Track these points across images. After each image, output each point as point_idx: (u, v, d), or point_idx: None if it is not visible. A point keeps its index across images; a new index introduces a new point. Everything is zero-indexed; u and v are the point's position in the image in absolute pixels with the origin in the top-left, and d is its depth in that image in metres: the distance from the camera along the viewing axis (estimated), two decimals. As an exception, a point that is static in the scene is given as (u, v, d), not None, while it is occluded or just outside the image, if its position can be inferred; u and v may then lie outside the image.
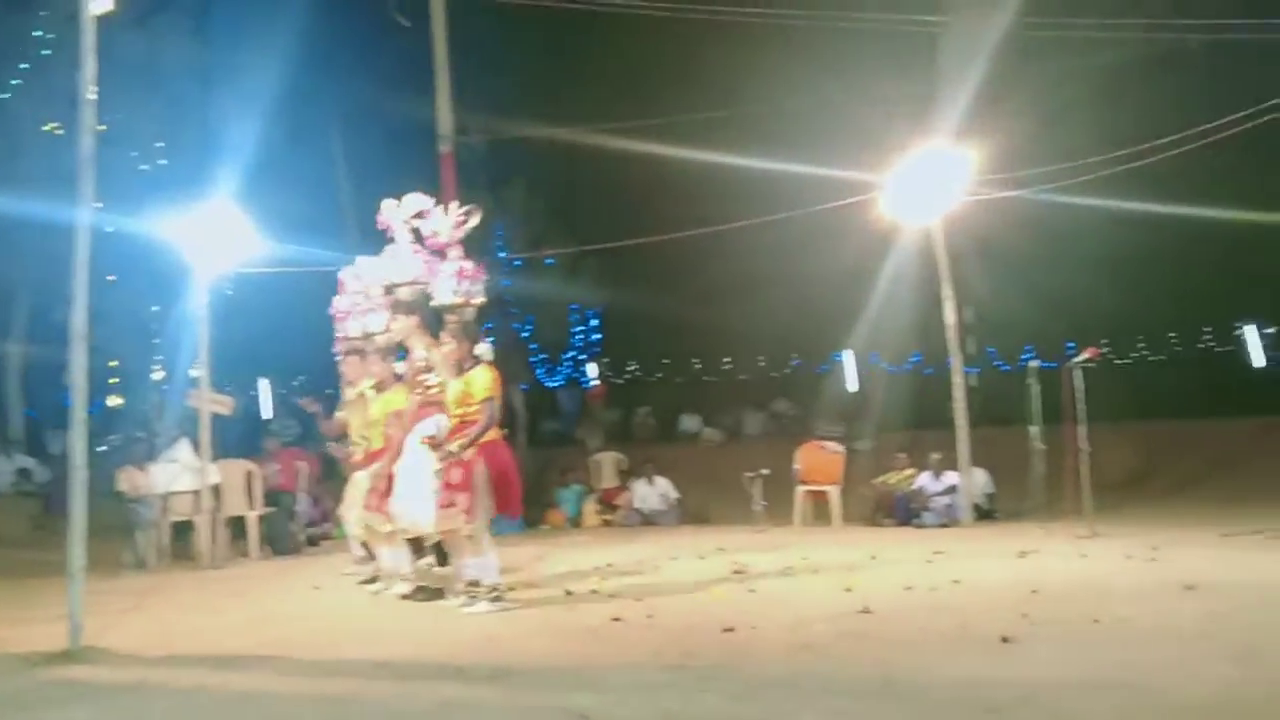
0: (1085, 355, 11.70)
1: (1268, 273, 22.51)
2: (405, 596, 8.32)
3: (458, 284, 8.35)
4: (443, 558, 8.19)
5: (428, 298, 8.54)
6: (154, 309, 19.59)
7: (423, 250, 8.78)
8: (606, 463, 17.72)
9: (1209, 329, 28.12)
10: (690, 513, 16.10)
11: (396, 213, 8.92)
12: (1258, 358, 23.75)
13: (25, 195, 15.49)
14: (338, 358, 9.66)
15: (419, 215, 8.83)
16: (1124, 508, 13.50)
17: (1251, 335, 23.96)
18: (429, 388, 8.26)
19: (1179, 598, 6.77)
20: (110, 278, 17.99)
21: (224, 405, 13.47)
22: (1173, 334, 28.36)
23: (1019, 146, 15.07)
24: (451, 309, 8.25)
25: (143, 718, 4.75)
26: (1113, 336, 24.26)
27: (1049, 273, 19.95)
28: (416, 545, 8.50)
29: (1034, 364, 12.40)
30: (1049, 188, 14.04)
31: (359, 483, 9.19)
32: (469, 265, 8.58)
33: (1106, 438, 12.85)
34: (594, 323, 28.58)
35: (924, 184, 13.15)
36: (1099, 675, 4.76)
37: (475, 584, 7.61)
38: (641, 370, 32.88)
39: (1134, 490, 15.34)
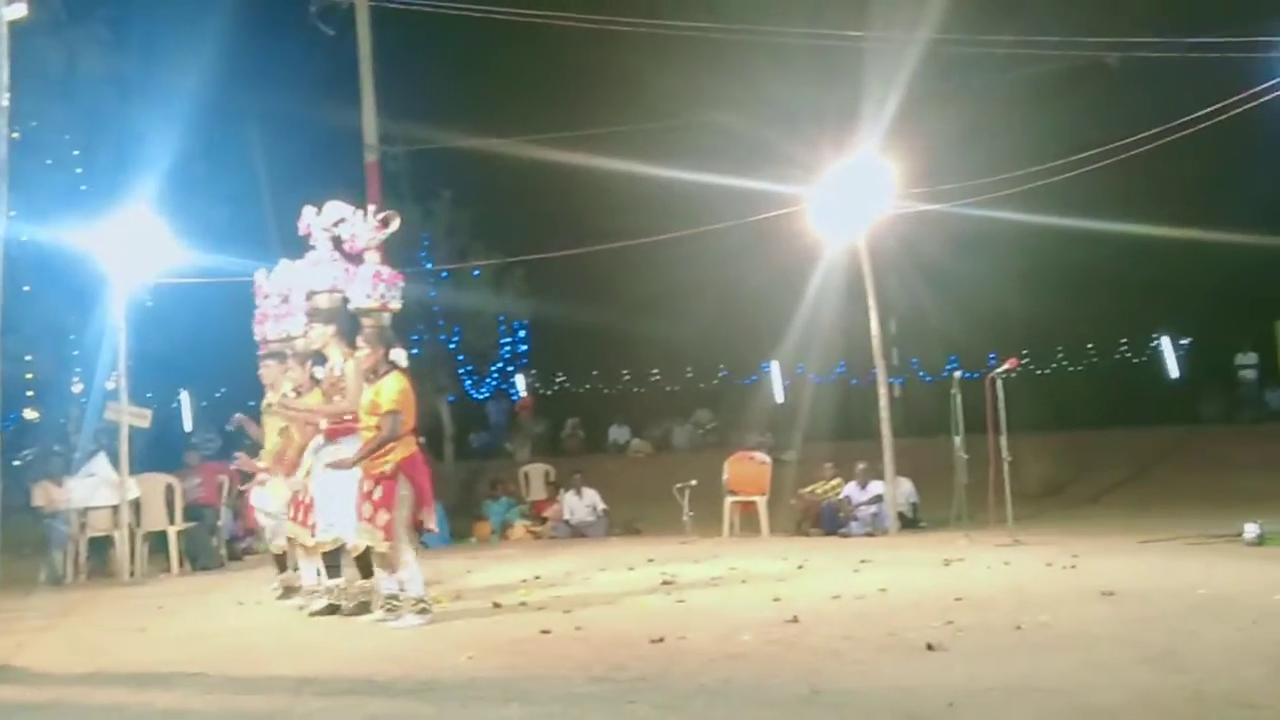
0: (1006, 366, 11.89)
1: (1183, 286, 23.08)
2: (317, 613, 8.19)
3: (374, 288, 8.25)
4: (366, 571, 8.11)
5: (347, 307, 8.43)
6: (71, 320, 19.17)
7: (342, 258, 8.67)
8: (535, 474, 17.68)
9: (1126, 341, 28.71)
10: (619, 524, 16.09)
11: (316, 219, 8.80)
12: (1173, 369, 24.31)
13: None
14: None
15: (339, 223, 8.72)
16: (1045, 516, 13.76)
17: (1167, 347, 24.52)
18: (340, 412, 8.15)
19: (1098, 604, 6.91)
20: (25, 288, 17.58)
21: (142, 418, 13.23)
22: (1090, 345, 28.90)
23: (941, 161, 15.33)
24: (367, 313, 8.14)
25: (59, 738, 4.63)
26: (1033, 347, 24.67)
27: (971, 285, 20.28)
28: (334, 560, 8.39)
29: (957, 374, 12.54)
30: (971, 201, 14.28)
31: (279, 493, 9.04)
32: (386, 270, 8.49)
33: (1028, 447, 13.09)
34: (521, 334, 28.45)
35: (849, 197, 13.30)
36: (1021, 681, 4.83)
37: (395, 599, 7.55)
38: (570, 382, 32.81)
39: (1055, 499, 15.64)
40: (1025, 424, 12.44)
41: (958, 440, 12.17)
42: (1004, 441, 11.46)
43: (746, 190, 15.15)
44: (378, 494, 7.41)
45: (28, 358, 20.77)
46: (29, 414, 21.83)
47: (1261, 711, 4.12)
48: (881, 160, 13.31)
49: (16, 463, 16.26)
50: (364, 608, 8.02)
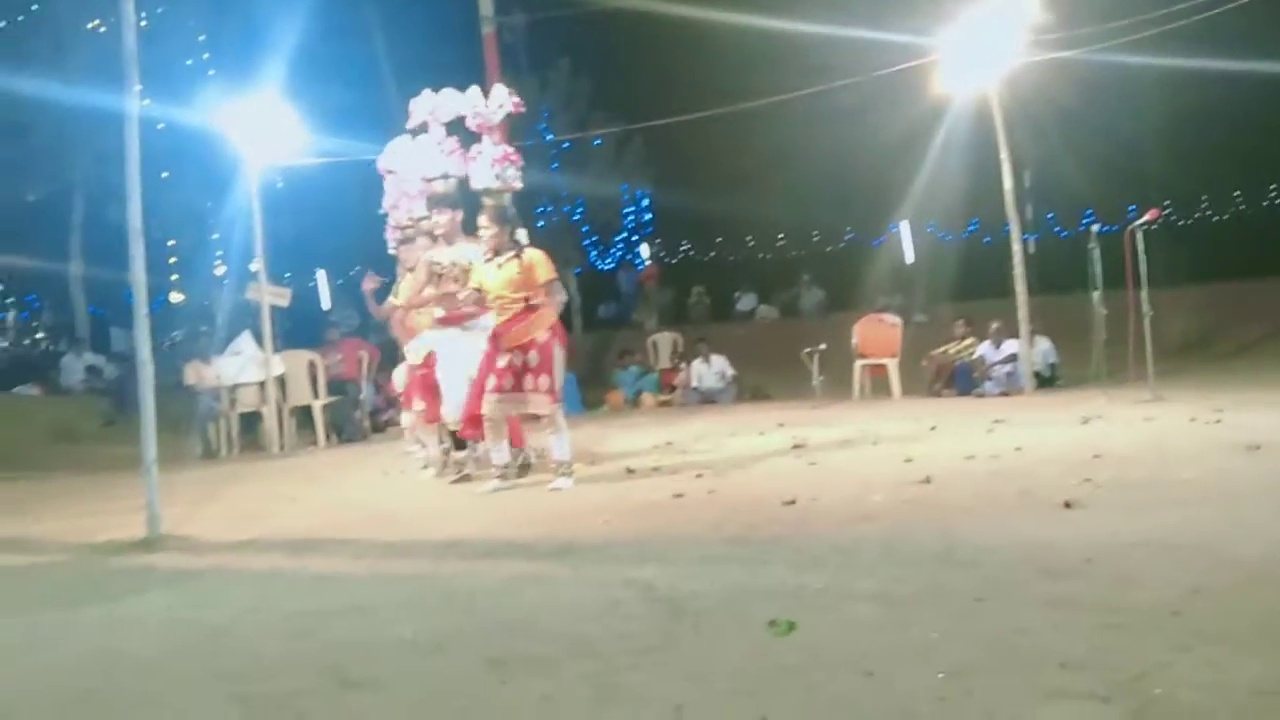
0: (1146, 218, 11.44)
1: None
2: (455, 481, 8.45)
3: (503, 169, 8.28)
4: (459, 443, 8.40)
5: (466, 192, 8.49)
6: (208, 204, 19.72)
7: (457, 143, 8.68)
8: (663, 343, 17.79)
9: (1276, 187, 27.40)
10: (748, 390, 16.16)
11: (430, 105, 8.80)
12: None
13: (73, 94, 15.62)
14: (390, 249, 9.62)
15: (453, 109, 8.73)
16: (1187, 371, 13.36)
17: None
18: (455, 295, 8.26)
19: (1243, 458, 6.70)
20: (164, 174, 18.11)
21: (282, 297, 13.64)
22: (1238, 193, 27.66)
23: (1075, 4, 14.58)
24: (490, 193, 8.19)
25: (221, 601, 4.88)
26: (1175, 197, 23.73)
27: (1109, 134, 19.50)
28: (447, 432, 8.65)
29: (1094, 228, 12.16)
30: (1106, 46, 13.61)
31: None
32: (510, 150, 8.50)
33: (1169, 301, 12.66)
34: (645, 203, 28.38)
35: (979, 46, 12.82)
36: (1161, 536, 4.74)
37: (508, 466, 7.82)
38: (695, 249, 32.72)
39: (1198, 353, 15.18)
40: (1166, 277, 12.02)
41: (1096, 296, 11.82)
42: (1144, 296, 11.10)
43: (871, 43, 14.67)
44: (534, 360, 7.57)
45: (170, 242, 21.52)
46: (174, 297, 22.69)
47: None
48: (1013, 4, 12.74)
49: (166, 344, 16.94)
50: (466, 478, 8.29)
